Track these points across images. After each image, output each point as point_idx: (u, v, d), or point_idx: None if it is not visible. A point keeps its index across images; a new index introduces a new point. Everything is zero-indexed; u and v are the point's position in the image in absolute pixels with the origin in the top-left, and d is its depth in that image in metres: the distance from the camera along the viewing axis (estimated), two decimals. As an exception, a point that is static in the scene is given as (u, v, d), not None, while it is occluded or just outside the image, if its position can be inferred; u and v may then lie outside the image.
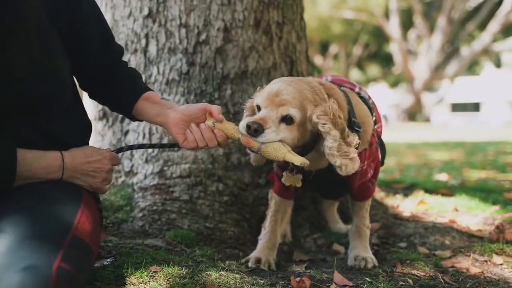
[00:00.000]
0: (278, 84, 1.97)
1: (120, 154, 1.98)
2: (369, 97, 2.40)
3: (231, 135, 1.95)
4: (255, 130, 1.85)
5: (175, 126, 1.96)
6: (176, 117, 1.96)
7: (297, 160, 1.86)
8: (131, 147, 2.13)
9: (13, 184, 1.61)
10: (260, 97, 1.99)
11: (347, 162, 1.90)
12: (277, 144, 1.87)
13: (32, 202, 1.54)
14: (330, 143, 1.89)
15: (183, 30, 2.78)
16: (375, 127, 2.31)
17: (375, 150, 2.25)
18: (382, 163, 2.42)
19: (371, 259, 2.32)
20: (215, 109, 1.95)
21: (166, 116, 1.98)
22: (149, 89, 2.08)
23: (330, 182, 2.23)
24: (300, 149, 1.99)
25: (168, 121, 1.97)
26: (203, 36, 2.77)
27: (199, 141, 1.94)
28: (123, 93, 2.06)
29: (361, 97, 2.30)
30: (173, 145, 2.13)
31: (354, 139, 1.96)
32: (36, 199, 1.57)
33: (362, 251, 2.37)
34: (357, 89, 2.39)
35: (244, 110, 2.12)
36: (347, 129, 1.96)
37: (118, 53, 2.11)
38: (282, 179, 2.11)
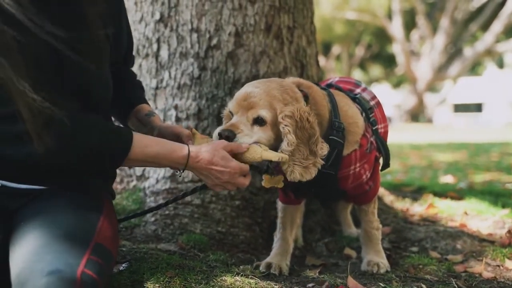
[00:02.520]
0: (245, 88, 1.99)
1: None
2: (373, 98, 2.38)
3: None
4: (227, 137, 1.87)
5: None
6: None
7: (274, 156, 1.87)
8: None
9: (121, 164, 1.69)
10: (230, 103, 2.00)
11: (295, 169, 1.91)
12: (252, 145, 1.88)
13: (56, 208, 1.57)
14: (284, 146, 1.90)
15: (195, 35, 2.79)
16: (377, 127, 2.29)
17: (368, 151, 2.22)
18: (387, 165, 2.41)
19: (384, 264, 2.32)
20: (185, 136, 1.98)
21: None
22: (144, 102, 2.18)
23: (322, 185, 2.22)
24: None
25: None
26: (214, 41, 2.78)
27: None
28: (121, 102, 2.14)
29: (357, 99, 2.28)
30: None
31: (322, 149, 1.95)
32: (60, 205, 1.59)
33: (374, 256, 2.37)
34: (358, 90, 2.37)
35: (223, 119, 2.13)
36: (317, 137, 1.94)
37: (130, 63, 2.24)
38: (262, 182, 2.09)
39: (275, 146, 1.95)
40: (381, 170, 2.41)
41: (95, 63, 1.72)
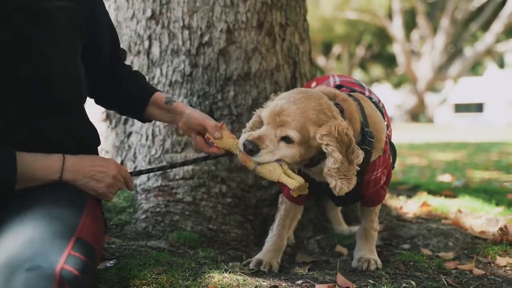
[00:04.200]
0: (282, 102, 1.94)
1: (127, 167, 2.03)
2: (379, 100, 2.38)
3: (230, 150, 2.01)
4: (250, 150, 1.88)
5: (185, 132, 2.16)
6: (182, 126, 2.12)
7: (291, 182, 1.89)
8: (140, 172, 2.16)
9: (14, 187, 1.62)
10: (265, 112, 1.97)
11: (343, 183, 1.89)
12: (273, 165, 1.89)
13: (37, 204, 1.56)
14: (330, 164, 1.88)
15: (186, 32, 2.78)
16: (387, 131, 2.28)
17: (387, 156, 2.23)
18: (392, 167, 2.40)
19: (374, 261, 2.31)
20: (210, 127, 2.02)
21: (176, 123, 2.15)
22: (155, 90, 2.17)
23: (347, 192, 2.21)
24: (307, 162, 2.01)
25: (178, 127, 2.15)
26: (206, 38, 2.77)
27: (197, 150, 2.15)
28: (131, 98, 2.15)
29: (373, 103, 2.26)
30: (184, 163, 2.21)
31: (358, 156, 1.93)
32: (42, 201, 1.58)
33: (367, 253, 2.36)
34: (367, 93, 2.35)
35: (254, 116, 2.12)
36: (354, 145, 1.92)
37: (122, 58, 2.21)
38: (291, 191, 2.07)
39: (297, 162, 1.97)
40: None
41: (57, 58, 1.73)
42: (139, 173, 2.12)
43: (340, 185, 1.89)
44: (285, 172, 1.91)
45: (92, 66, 1.96)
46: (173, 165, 2.16)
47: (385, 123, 2.25)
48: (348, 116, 2.02)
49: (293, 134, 1.89)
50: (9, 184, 1.62)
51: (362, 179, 2.14)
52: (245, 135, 1.93)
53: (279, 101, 1.95)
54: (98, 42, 2.00)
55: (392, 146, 2.32)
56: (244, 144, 1.89)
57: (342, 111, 2.01)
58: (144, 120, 2.22)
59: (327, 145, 1.87)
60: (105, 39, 2.04)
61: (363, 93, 2.33)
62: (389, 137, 2.31)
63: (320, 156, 1.97)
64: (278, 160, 1.90)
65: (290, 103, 1.92)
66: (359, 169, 1.95)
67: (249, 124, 2.12)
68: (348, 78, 2.54)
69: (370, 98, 2.29)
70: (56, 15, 1.75)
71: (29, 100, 1.68)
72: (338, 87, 2.32)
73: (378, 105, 2.27)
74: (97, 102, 2.21)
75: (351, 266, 2.34)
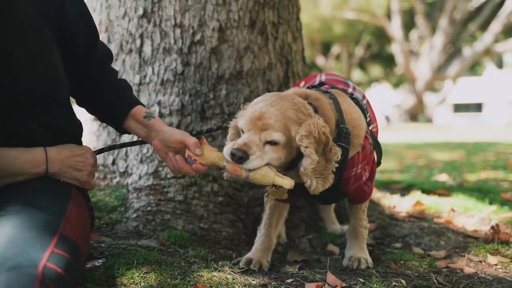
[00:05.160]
0: (260, 106, 1.93)
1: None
2: (364, 97, 2.37)
3: (216, 163, 1.96)
4: (240, 157, 1.85)
5: (159, 152, 2.03)
6: (157, 144, 2.02)
7: (286, 183, 1.88)
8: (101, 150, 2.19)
9: None
10: (243, 120, 1.96)
11: (318, 182, 1.90)
12: (265, 169, 1.87)
13: (20, 201, 1.55)
14: (307, 165, 1.89)
15: (178, 30, 2.77)
16: (370, 127, 2.28)
17: (369, 152, 2.22)
18: (378, 164, 2.40)
19: (365, 260, 2.31)
20: (192, 144, 1.94)
21: (150, 141, 2.05)
22: (137, 103, 2.09)
23: (326, 190, 2.21)
24: (287, 164, 2.00)
25: (153, 145, 2.05)
26: (198, 36, 2.76)
27: (175, 171, 2.00)
28: (111, 107, 2.08)
29: (354, 99, 2.26)
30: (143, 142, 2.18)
31: (335, 154, 1.94)
32: (24, 198, 1.57)
33: (357, 252, 2.36)
34: (350, 90, 2.35)
35: (229, 129, 2.11)
36: (331, 143, 1.93)
37: (104, 57, 2.11)
38: (266, 194, 2.05)
39: (282, 165, 1.97)
40: None
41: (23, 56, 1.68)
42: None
43: (315, 184, 1.91)
44: (276, 174, 1.90)
45: (66, 62, 1.89)
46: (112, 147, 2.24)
47: (368, 119, 2.24)
48: (322, 115, 2.02)
49: (278, 136, 1.88)
50: None
51: (341, 176, 2.13)
52: (229, 145, 1.91)
53: (256, 106, 1.94)
54: (69, 35, 1.90)
55: (377, 143, 2.31)
56: (232, 153, 1.86)
57: (315, 111, 2.01)
58: (122, 132, 2.13)
59: (306, 147, 1.88)
60: (81, 38, 1.96)
61: (346, 90, 2.32)
62: (374, 133, 2.31)
63: (298, 158, 1.98)
64: (266, 164, 1.89)
65: (268, 106, 1.92)
66: (337, 165, 1.96)
67: (229, 138, 2.10)
68: (334, 76, 2.54)
69: (352, 95, 2.28)
70: (23, 8, 1.70)
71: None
72: (321, 84, 2.33)
73: (360, 102, 2.27)
74: (78, 103, 2.15)
75: (342, 265, 2.34)
